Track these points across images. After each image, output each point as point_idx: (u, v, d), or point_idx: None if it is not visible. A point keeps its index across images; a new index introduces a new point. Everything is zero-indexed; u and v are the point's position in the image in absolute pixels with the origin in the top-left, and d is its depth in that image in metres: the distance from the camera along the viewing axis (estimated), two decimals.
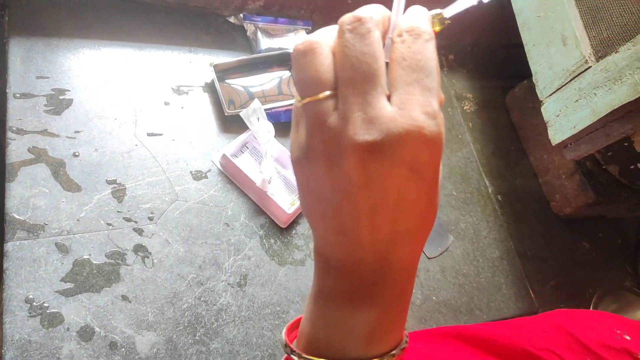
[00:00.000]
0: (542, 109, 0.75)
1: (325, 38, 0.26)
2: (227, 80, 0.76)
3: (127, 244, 0.60)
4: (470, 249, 0.84)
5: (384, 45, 0.27)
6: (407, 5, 0.28)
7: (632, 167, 0.89)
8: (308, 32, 0.86)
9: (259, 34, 0.81)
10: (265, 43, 0.81)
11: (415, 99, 0.24)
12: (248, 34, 0.82)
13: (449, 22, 0.31)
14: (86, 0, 0.72)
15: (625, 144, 0.88)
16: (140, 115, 0.68)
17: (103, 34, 0.71)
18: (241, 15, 0.82)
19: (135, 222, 0.62)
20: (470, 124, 0.99)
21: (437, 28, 0.30)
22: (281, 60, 0.79)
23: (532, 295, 0.85)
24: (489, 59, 1.10)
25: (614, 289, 0.89)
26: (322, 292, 0.30)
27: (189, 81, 0.74)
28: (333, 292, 0.29)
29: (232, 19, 0.82)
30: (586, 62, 0.69)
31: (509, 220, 0.91)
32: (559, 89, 0.73)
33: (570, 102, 0.70)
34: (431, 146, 0.24)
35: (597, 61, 0.68)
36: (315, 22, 0.89)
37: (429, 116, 0.24)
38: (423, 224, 0.27)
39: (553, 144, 0.72)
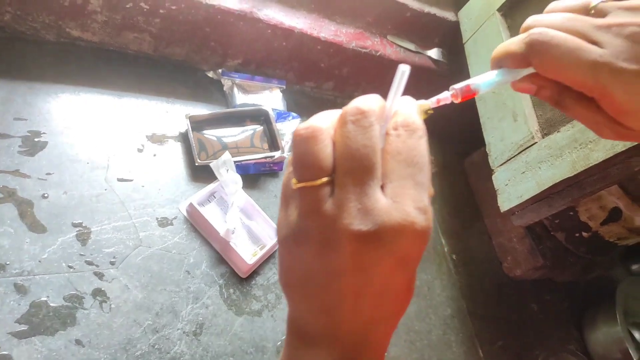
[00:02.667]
0: (493, 178, 0.81)
1: (326, 124, 0.27)
2: (201, 132, 0.79)
3: (86, 288, 0.61)
4: (424, 306, 0.87)
5: None
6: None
7: (577, 234, 0.96)
8: (282, 91, 0.91)
9: (235, 90, 0.86)
10: (241, 98, 0.85)
11: (409, 193, 0.25)
12: (225, 88, 0.87)
13: (432, 112, 0.35)
14: (72, 48, 0.76)
15: (571, 213, 0.94)
16: (113, 161, 0.71)
17: (84, 81, 0.74)
18: (220, 70, 0.87)
19: (97, 266, 0.63)
20: None
21: (424, 116, 0.34)
22: (254, 115, 0.84)
23: (481, 354, 0.88)
24: (450, 125, 1.17)
25: (558, 351, 0.93)
26: None
27: (163, 130, 0.78)
28: None
29: (210, 74, 0.87)
30: (533, 137, 0.76)
31: (462, 279, 0.95)
32: (509, 160, 0.79)
33: (518, 174, 0.76)
34: (420, 240, 0.25)
35: (543, 138, 0.75)
36: (289, 81, 0.94)
37: (421, 211, 0.25)
38: (401, 308, 0.29)
39: (501, 211, 0.78)
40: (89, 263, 0.63)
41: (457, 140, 1.15)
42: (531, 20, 0.34)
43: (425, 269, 0.92)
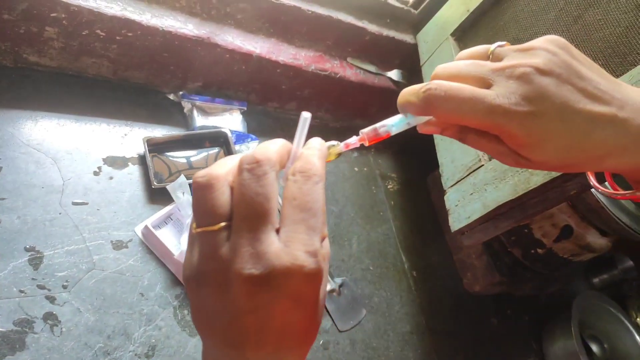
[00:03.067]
0: (445, 198, 0.83)
1: (225, 172, 0.29)
2: (159, 154, 0.81)
3: (37, 312, 0.62)
4: (382, 323, 0.89)
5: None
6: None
7: (532, 251, 0.98)
8: (242, 113, 0.93)
9: (195, 112, 0.87)
10: (200, 121, 0.87)
11: (300, 238, 0.27)
12: (185, 111, 0.88)
13: (343, 152, 0.37)
14: (29, 73, 0.77)
15: (526, 230, 0.97)
16: (68, 185, 0.72)
17: (42, 106, 0.75)
18: (180, 93, 0.88)
19: (49, 290, 0.64)
20: (392, 202, 1.07)
21: (333, 157, 0.36)
22: (213, 137, 0.85)
23: None
24: (414, 141, 1.20)
25: None
26: None
27: (122, 153, 0.79)
28: None
29: (171, 96, 0.89)
30: (480, 160, 0.78)
31: (422, 295, 0.97)
32: (459, 181, 0.81)
33: (467, 195, 0.79)
34: (311, 281, 0.27)
35: (489, 160, 0.77)
36: (250, 103, 0.96)
37: (310, 254, 0.27)
38: (306, 340, 0.30)
39: (452, 231, 0.80)
40: (41, 287, 0.64)
41: (421, 156, 1.18)
42: (437, 69, 0.37)
43: (385, 286, 0.94)
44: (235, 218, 0.27)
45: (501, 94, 0.32)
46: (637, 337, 1.08)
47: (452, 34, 0.92)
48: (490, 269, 0.99)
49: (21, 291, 0.62)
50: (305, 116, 0.32)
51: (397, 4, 1.02)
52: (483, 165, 0.77)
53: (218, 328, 0.28)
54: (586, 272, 1.32)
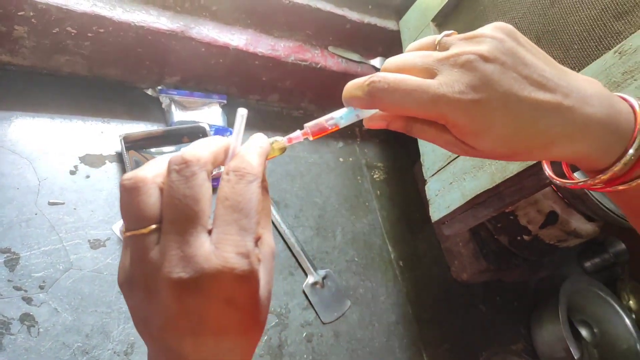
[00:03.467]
0: (426, 188, 0.83)
1: (153, 174, 0.28)
2: (137, 150, 0.80)
3: (13, 313, 0.62)
4: (367, 314, 0.89)
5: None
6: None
7: (519, 237, 0.98)
8: (222, 106, 0.92)
9: (173, 107, 0.87)
10: (178, 116, 0.86)
11: (231, 239, 0.27)
12: (163, 106, 0.88)
13: (290, 144, 0.37)
14: (1, 73, 0.76)
15: (511, 217, 0.97)
16: (44, 184, 0.72)
17: (15, 105, 0.75)
18: (158, 88, 0.88)
19: (25, 290, 0.64)
20: (379, 192, 1.07)
21: (277, 153, 0.36)
22: (192, 132, 0.85)
23: (425, 358, 0.90)
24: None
25: (501, 351, 0.96)
26: None
27: (98, 151, 0.79)
28: None
29: (149, 92, 0.88)
30: None
31: (408, 285, 0.97)
32: (439, 171, 0.81)
33: (446, 184, 0.78)
34: (243, 282, 0.26)
35: None
36: (231, 95, 0.95)
37: (242, 256, 0.26)
38: (248, 341, 0.30)
39: (432, 221, 0.80)
40: (17, 288, 0.64)
41: (408, 145, 1.17)
42: (386, 62, 0.36)
43: (370, 277, 0.93)
44: (164, 221, 0.27)
45: (445, 82, 0.32)
46: (627, 320, 1.08)
47: (433, 20, 0.91)
48: (477, 257, 0.99)
49: None
50: (242, 113, 0.31)
51: None
52: None
53: (154, 332, 0.28)
54: (578, 257, 1.32)
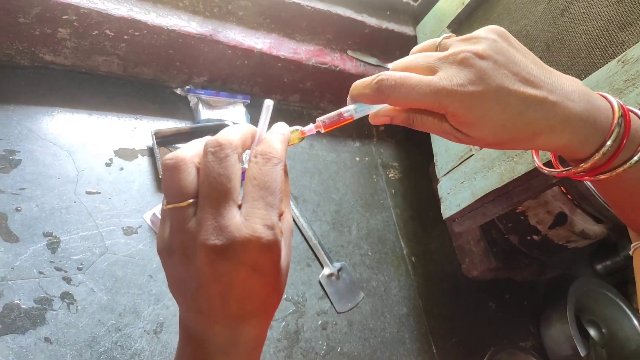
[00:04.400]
0: (438, 187, 0.87)
1: (191, 154, 0.32)
2: (167, 146, 0.86)
3: (55, 291, 0.68)
4: (379, 306, 0.93)
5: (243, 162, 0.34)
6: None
7: (528, 237, 1.01)
8: (246, 105, 0.97)
9: (200, 105, 0.92)
10: (205, 114, 0.92)
11: (259, 213, 0.30)
12: (191, 104, 0.93)
13: (305, 136, 0.41)
14: (45, 71, 0.83)
15: (522, 217, 1.00)
16: (82, 175, 0.78)
17: (57, 102, 0.81)
18: (187, 87, 0.93)
19: (65, 271, 0.70)
20: (393, 190, 1.11)
21: (296, 141, 0.41)
22: (217, 130, 0.89)
23: (434, 351, 0.94)
24: (416, 131, 1.22)
25: (509, 347, 0.99)
26: (182, 357, 0.35)
27: (131, 145, 0.84)
28: (192, 358, 0.34)
29: (178, 91, 0.94)
30: (471, 150, 0.81)
31: (420, 280, 1.01)
32: (451, 170, 0.85)
33: (458, 183, 0.82)
34: (268, 250, 0.30)
35: (479, 150, 0.80)
36: (254, 95, 1.01)
37: (268, 227, 0.30)
38: (268, 306, 0.34)
39: (444, 218, 0.83)
40: (58, 269, 0.70)
41: (423, 146, 1.20)
42: (392, 64, 0.41)
43: (383, 270, 0.98)
44: (200, 196, 0.31)
45: (444, 77, 0.36)
46: (636, 322, 1.10)
47: (449, 26, 0.95)
48: (488, 255, 1.02)
49: (40, 272, 0.68)
50: (268, 104, 0.36)
51: None
52: (473, 154, 0.80)
53: (188, 295, 0.32)
54: (590, 259, 1.34)
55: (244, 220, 0.30)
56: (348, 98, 0.41)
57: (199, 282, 0.30)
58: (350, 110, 0.41)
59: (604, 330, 1.11)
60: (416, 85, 0.36)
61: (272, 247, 0.30)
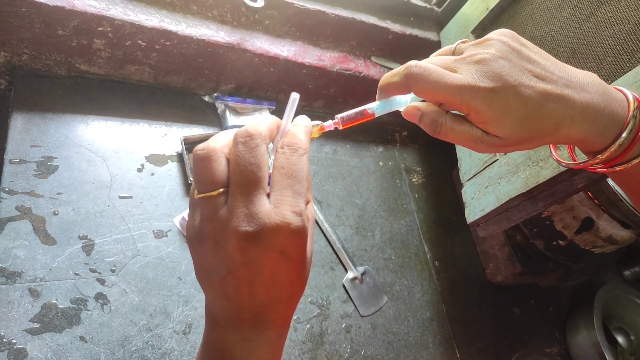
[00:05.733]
0: (462, 192, 0.87)
1: (221, 144, 0.33)
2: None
3: (89, 292, 0.71)
4: (403, 310, 0.93)
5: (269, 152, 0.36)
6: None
7: (554, 242, 1.00)
8: (272, 112, 1.00)
9: (227, 112, 0.94)
10: (232, 120, 0.94)
11: (287, 200, 0.31)
12: (218, 111, 0.96)
13: (324, 131, 0.43)
14: (80, 80, 0.86)
15: (547, 222, 0.99)
16: (115, 180, 0.81)
17: (91, 110, 0.85)
18: (214, 95, 0.96)
19: (99, 273, 0.73)
20: (417, 195, 1.11)
21: (317, 135, 0.42)
22: None
23: (458, 356, 0.94)
24: None
25: (533, 353, 0.98)
26: (208, 344, 0.36)
27: (161, 151, 0.87)
28: (217, 344, 0.35)
29: (206, 98, 0.96)
30: (495, 155, 0.81)
31: (443, 284, 1.01)
32: (475, 175, 0.85)
33: (482, 188, 0.82)
34: (296, 236, 0.31)
35: (504, 155, 0.80)
36: (279, 102, 1.03)
37: (296, 214, 0.31)
38: (293, 292, 0.35)
39: (468, 223, 0.84)
40: (93, 271, 0.72)
41: (446, 151, 1.21)
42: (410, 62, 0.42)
43: (406, 275, 0.98)
44: (231, 184, 0.32)
45: (466, 75, 0.38)
46: None
47: (473, 32, 0.95)
48: (512, 260, 1.02)
49: (76, 274, 0.71)
50: (294, 96, 0.37)
51: (420, 3, 1.05)
52: (498, 159, 0.81)
53: (216, 281, 0.32)
54: (618, 265, 1.32)
55: (273, 207, 0.31)
56: (377, 94, 0.43)
57: (228, 268, 0.31)
58: (372, 108, 0.42)
59: (632, 338, 1.09)
60: (442, 78, 0.38)
61: (300, 233, 0.31)
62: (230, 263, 0.31)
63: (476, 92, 0.37)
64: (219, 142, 0.33)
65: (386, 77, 0.41)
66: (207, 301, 0.36)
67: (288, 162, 0.33)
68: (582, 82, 0.38)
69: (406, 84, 0.40)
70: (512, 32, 0.40)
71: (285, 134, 0.35)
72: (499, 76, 0.37)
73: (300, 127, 0.36)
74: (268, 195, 0.32)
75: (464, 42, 0.42)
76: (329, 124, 0.42)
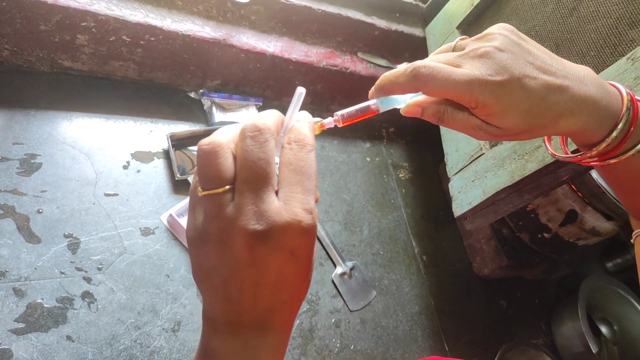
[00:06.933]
0: (449, 186, 0.88)
1: (227, 139, 0.31)
2: (182, 148, 0.88)
3: (76, 291, 0.70)
4: (392, 304, 0.94)
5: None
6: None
7: (539, 235, 1.02)
8: (259, 108, 0.99)
9: (214, 109, 0.94)
10: (219, 117, 0.93)
11: (297, 197, 0.30)
12: (205, 107, 0.95)
13: (325, 129, 0.43)
14: (64, 77, 0.85)
15: (532, 215, 1.01)
16: (101, 177, 0.79)
17: (75, 106, 0.83)
18: (200, 91, 0.95)
19: (86, 271, 0.72)
20: (404, 190, 1.12)
21: (317, 132, 0.42)
22: None
23: (447, 349, 0.95)
24: (426, 132, 1.24)
25: (521, 344, 0.99)
26: (207, 353, 0.33)
27: (147, 148, 0.86)
28: (217, 352, 0.32)
29: (192, 94, 0.95)
30: (481, 149, 0.82)
31: (431, 278, 1.02)
32: (462, 169, 0.86)
33: (469, 182, 0.83)
34: (307, 235, 0.30)
35: (489, 149, 0.81)
36: (266, 98, 1.02)
37: (307, 211, 0.30)
38: (299, 294, 0.33)
39: (455, 217, 0.84)
40: (79, 269, 0.71)
41: (432, 146, 1.22)
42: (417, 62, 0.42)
43: (395, 269, 0.99)
44: (238, 181, 0.30)
45: (472, 69, 0.38)
46: None
47: (458, 27, 0.96)
48: (499, 253, 1.03)
49: (62, 272, 0.70)
50: (300, 91, 0.35)
51: None
52: (484, 153, 0.81)
53: (217, 284, 0.31)
54: (600, 257, 1.34)
55: (283, 204, 0.30)
56: (372, 91, 0.42)
57: (233, 269, 0.30)
58: (376, 103, 0.42)
59: (615, 328, 1.11)
60: (450, 75, 0.38)
61: (310, 231, 0.30)
62: (236, 264, 0.29)
63: (484, 85, 0.37)
64: (225, 137, 0.31)
65: (389, 77, 0.41)
66: (206, 306, 0.33)
67: (296, 158, 0.31)
68: (579, 74, 0.39)
69: (414, 85, 0.39)
70: (511, 26, 0.40)
71: (290, 129, 0.34)
72: (504, 68, 0.37)
73: (304, 123, 0.34)
74: (276, 193, 0.31)
75: (463, 39, 0.42)
76: (329, 121, 0.41)
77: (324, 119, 0.40)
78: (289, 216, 0.29)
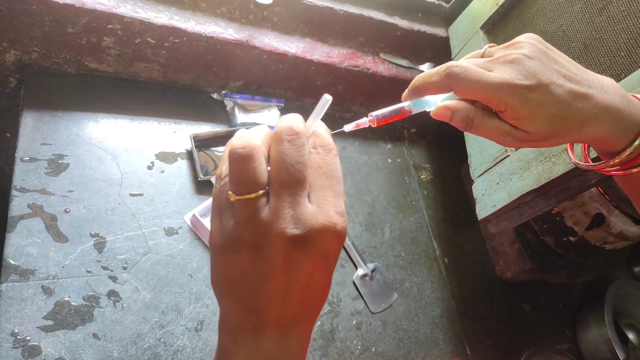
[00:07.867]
0: (473, 188, 0.87)
1: (260, 141, 0.30)
2: (205, 149, 0.89)
3: (102, 289, 0.71)
4: (413, 307, 0.93)
5: None
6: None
7: (564, 239, 1.00)
8: (280, 109, 0.99)
9: (237, 110, 0.94)
10: (241, 118, 0.94)
11: (330, 201, 0.30)
12: (227, 109, 0.96)
13: (359, 128, 0.43)
14: (90, 79, 0.86)
15: (557, 218, 0.99)
16: (126, 178, 0.81)
17: (101, 108, 0.85)
18: (223, 92, 0.96)
19: (111, 270, 0.73)
20: (425, 192, 1.11)
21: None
22: None
23: (469, 352, 0.94)
24: (447, 132, 1.22)
25: (544, 350, 0.98)
26: None
27: (171, 149, 0.87)
28: None
29: (215, 96, 0.96)
30: (506, 151, 0.81)
31: (453, 281, 1.01)
32: (486, 171, 0.84)
33: (493, 184, 0.82)
34: (340, 238, 0.30)
35: (515, 151, 0.80)
36: (288, 99, 1.02)
37: (340, 215, 0.30)
38: (322, 300, 0.33)
39: (479, 219, 0.83)
40: (105, 268, 0.73)
41: (455, 147, 1.20)
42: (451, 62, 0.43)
43: (416, 272, 0.98)
44: (274, 184, 0.29)
45: (503, 73, 0.40)
46: None
47: (482, 27, 0.94)
48: (522, 256, 1.02)
49: (88, 271, 0.71)
50: (327, 98, 0.35)
51: None
52: (509, 155, 0.80)
53: (244, 293, 0.30)
54: (628, 262, 1.31)
55: (317, 207, 0.30)
56: (406, 93, 0.43)
57: (266, 276, 0.29)
58: (409, 105, 0.43)
59: None
60: (482, 76, 0.39)
61: (343, 234, 0.30)
62: (270, 270, 0.29)
63: (514, 89, 0.39)
64: (259, 139, 0.30)
65: (423, 77, 0.42)
66: (225, 316, 0.33)
67: (324, 162, 0.32)
68: (602, 84, 0.41)
69: (447, 84, 0.41)
70: (538, 36, 0.42)
71: (313, 134, 0.34)
72: (533, 74, 0.39)
73: (324, 129, 0.35)
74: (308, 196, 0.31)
75: (491, 46, 0.44)
76: (364, 122, 0.42)
77: (344, 119, 0.41)
78: (324, 219, 0.29)
